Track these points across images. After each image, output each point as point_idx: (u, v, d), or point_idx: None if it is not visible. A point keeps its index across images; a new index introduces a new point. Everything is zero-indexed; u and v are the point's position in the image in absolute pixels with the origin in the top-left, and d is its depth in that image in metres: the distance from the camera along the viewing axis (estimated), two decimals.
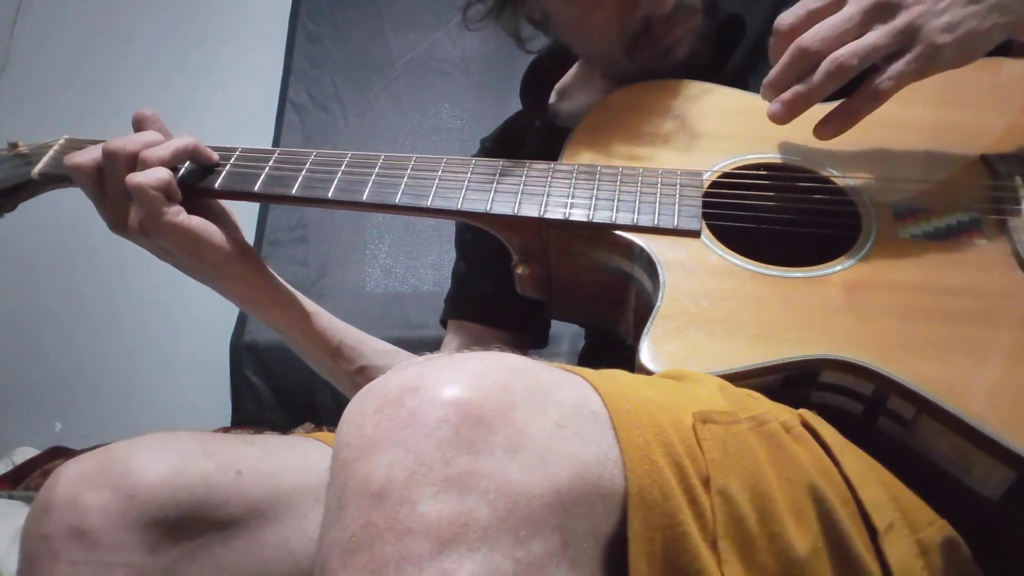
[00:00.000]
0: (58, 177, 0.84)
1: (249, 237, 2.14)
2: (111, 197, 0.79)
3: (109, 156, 0.77)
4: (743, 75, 0.86)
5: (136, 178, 0.75)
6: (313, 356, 0.89)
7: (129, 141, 0.78)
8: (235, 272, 0.81)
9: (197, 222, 0.77)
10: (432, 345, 0.99)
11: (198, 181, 0.81)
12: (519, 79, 1.03)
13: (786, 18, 0.67)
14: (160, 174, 0.75)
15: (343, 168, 0.79)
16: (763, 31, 0.86)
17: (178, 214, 0.76)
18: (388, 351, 0.92)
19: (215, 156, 0.82)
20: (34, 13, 2.44)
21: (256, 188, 0.79)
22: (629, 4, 0.81)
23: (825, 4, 0.66)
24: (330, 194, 0.78)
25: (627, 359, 0.64)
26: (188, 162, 0.81)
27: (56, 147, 0.86)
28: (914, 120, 0.77)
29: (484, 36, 2.17)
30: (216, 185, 0.80)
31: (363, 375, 0.88)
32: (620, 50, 0.85)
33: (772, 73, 0.67)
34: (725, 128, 0.80)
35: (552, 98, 1.01)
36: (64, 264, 2.12)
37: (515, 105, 1.07)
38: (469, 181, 0.77)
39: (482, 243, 0.78)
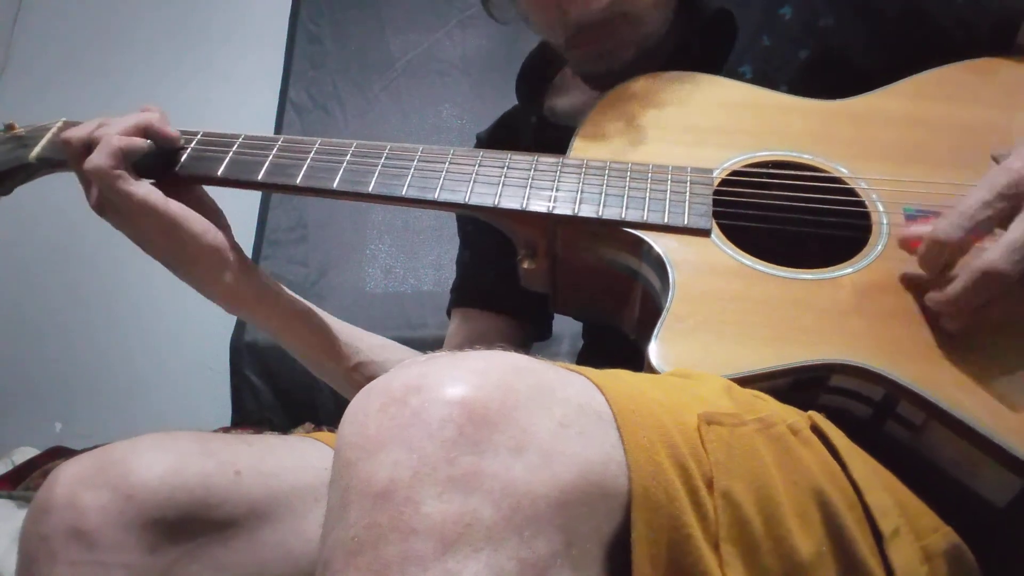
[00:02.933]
0: (55, 161, 0.82)
1: (249, 236, 2.16)
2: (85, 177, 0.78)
3: (70, 140, 0.77)
4: (739, 68, 0.85)
5: (89, 161, 0.74)
6: (307, 356, 0.88)
7: (96, 123, 0.77)
8: (215, 265, 0.78)
9: (175, 205, 0.75)
10: (432, 345, 0.99)
11: (195, 169, 0.79)
12: None
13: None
14: (109, 147, 0.74)
15: (348, 158, 0.77)
16: (762, 25, 0.86)
17: (148, 194, 0.74)
18: (384, 345, 0.91)
19: (175, 135, 0.79)
20: (34, 13, 2.44)
21: (259, 177, 0.78)
22: (558, 7, 0.80)
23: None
24: (335, 184, 0.76)
25: (626, 358, 0.63)
26: (190, 149, 0.80)
27: (54, 130, 0.84)
28: (925, 119, 0.76)
29: (484, 36, 2.19)
30: (218, 173, 0.78)
31: (359, 371, 0.87)
32: (563, 47, 0.85)
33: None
34: (735, 123, 0.79)
35: (548, 94, 1.00)
36: (64, 264, 2.12)
37: (511, 107, 1.06)
38: (477, 174, 0.75)
39: (484, 232, 0.78)
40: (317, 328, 0.86)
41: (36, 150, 0.82)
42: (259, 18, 2.35)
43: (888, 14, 0.82)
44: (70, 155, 0.78)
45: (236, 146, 0.80)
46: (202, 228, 0.77)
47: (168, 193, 0.76)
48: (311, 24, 2.30)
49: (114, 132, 0.75)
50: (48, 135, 0.84)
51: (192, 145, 0.81)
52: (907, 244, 0.63)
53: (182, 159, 0.80)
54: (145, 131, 0.78)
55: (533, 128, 0.96)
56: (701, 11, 0.88)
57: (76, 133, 0.77)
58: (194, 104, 2.19)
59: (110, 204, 0.76)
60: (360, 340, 0.89)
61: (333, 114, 2.21)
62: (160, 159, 0.79)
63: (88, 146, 0.76)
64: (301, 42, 2.28)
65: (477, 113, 2.13)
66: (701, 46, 0.88)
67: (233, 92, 2.26)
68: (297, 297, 0.87)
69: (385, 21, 2.29)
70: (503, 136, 1.01)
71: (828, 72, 0.82)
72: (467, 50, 2.23)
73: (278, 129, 2.19)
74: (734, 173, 0.75)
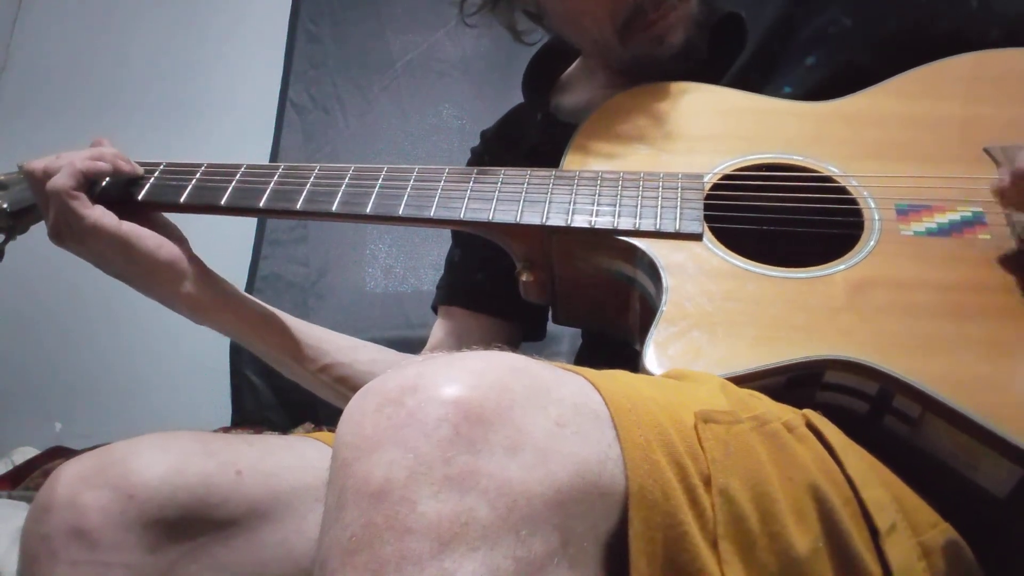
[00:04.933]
0: None
1: (249, 237, 2.15)
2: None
3: (34, 169, 0.80)
4: (746, 73, 0.86)
5: (51, 183, 0.77)
6: (274, 358, 0.89)
7: (55, 156, 0.80)
8: (173, 277, 0.80)
9: (127, 225, 0.78)
10: None
11: (160, 197, 0.82)
12: (519, 79, 1.03)
13: None
14: (71, 168, 0.77)
15: (346, 181, 0.80)
16: (772, 30, 0.86)
17: (102, 216, 0.77)
18: (355, 346, 0.91)
19: (127, 168, 0.82)
20: (34, 13, 2.44)
21: (261, 204, 0.80)
22: None
23: None
24: (334, 208, 0.78)
25: (624, 358, 0.64)
26: (152, 179, 0.82)
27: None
28: (915, 115, 0.77)
29: (484, 36, 2.19)
30: (222, 202, 0.81)
31: (327, 373, 0.88)
32: (613, 36, 0.85)
33: None
34: (727, 129, 0.80)
35: (554, 91, 1.00)
36: (64, 264, 2.11)
37: (515, 104, 1.06)
38: (471, 191, 0.77)
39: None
40: (282, 332, 0.87)
41: None
42: (259, 18, 2.35)
43: (904, 19, 0.82)
44: (33, 184, 0.80)
45: (238, 176, 0.82)
46: (156, 243, 0.79)
47: (124, 217, 0.79)
48: (311, 24, 2.30)
49: (75, 158, 0.79)
50: None
51: (155, 175, 0.83)
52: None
53: (145, 187, 0.82)
54: (102, 160, 0.80)
55: (538, 125, 0.96)
56: (712, 13, 0.88)
57: (37, 163, 0.80)
58: (194, 104, 2.20)
59: (66, 228, 0.78)
60: (327, 342, 0.89)
61: (333, 114, 2.21)
62: (121, 189, 0.82)
63: (48, 172, 0.79)
64: (301, 42, 2.28)
65: (477, 113, 2.12)
66: (711, 50, 0.88)
67: (233, 92, 2.26)
68: (260, 302, 0.88)
69: (385, 21, 2.28)
70: (508, 134, 1.01)
71: (834, 78, 0.82)
72: (467, 50, 2.22)
73: (278, 129, 2.19)
74: (726, 177, 0.75)
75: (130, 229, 0.78)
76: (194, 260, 0.82)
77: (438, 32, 2.24)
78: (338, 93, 2.23)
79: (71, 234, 0.79)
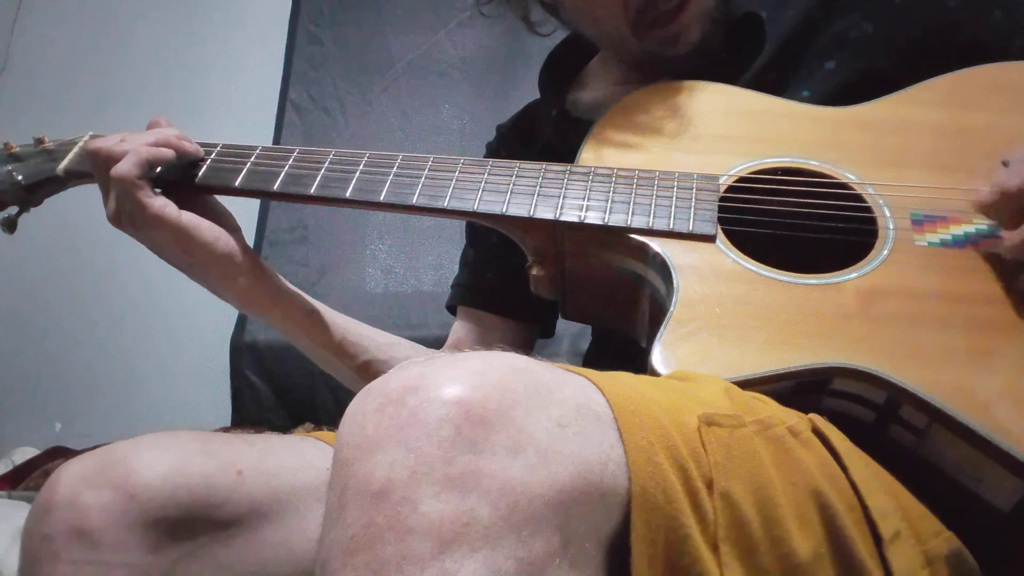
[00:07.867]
0: (82, 173, 0.84)
1: (249, 237, 2.13)
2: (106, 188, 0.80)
3: (99, 150, 0.79)
4: (765, 75, 0.85)
5: (116, 170, 0.76)
6: (317, 353, 0.89)
7: (119, 137, 0.79)
8: (228, 271, 0.80)
9: (187, 217, 0.77)
10: (433, 344, 1.00)
11: (214, 180, 0.81)
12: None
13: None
14: (136, 157, 0.76)
15: (361, 168, 0.79)
16: (792, 33, 0.86)
17: (164, 207, 0.76)
18: (392, 343, 0.92)
19: (196, 149, 0.82)
20: (34, 13, 2.44)
21: (275, 187, 0.79)
22: None
23: None
24: (348, 194, 0.78)
25: (632, 359, 0.63)
26: (209, 161, 0.82)
27: (80, 143, 0.86)
28: (934, 124, 0.76)
29: (484, 36, 2.19)
30: (236, 183, 0.80)
31: (367, 370, 0.88)
32: (627, 28, 0.85)
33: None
34: (744, 131, 0.80)
35: (573, 87, 1.00)
36: (64, 264, 2.12)
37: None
38: (485, 182, 0.76)
39: (491, 231, 0.78)
40: (327, 327, 0.87)
41: (64, 163, 0.85)
42: (259, 18, 2.35)
43: (926, 26, 0.82)
44: (96, 165, 0.79)
45: (253, 158, 0.82)
46: (213, 236, 0.78)
47: (180, 201, 0.78)
48: (311, 25, 2.30)
49: (140, 143, 0.77)
50: (75, 148, 0.86)
51: (212, 157, 0.82)
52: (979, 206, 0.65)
53: (201, 170, 0.82)
54: (167, 144, 0.79)
55: (553, 121, 0.96)
56: (730, 11, 0.88)
57: (103, 144, 0.79)
58: (194, 105, 2.20)
59: (127, 215, 0.77)
60: (368, 339, 0.90)
61: (333, 115, 2.21)
62: (179, 170, 0.81)
63: (113, 157, 0.77)
64: (301, 43, 2.28)
65: (477, 113, 2.12)
66: (727, 49, 0.88)
67: (233, 92, 2.26)
68: (307, 297, 0.88)
69: (385, 22, 2.28)
70: (523, 129, 1.01)
71: (853, 83, 0.81)
72: (467, 50, 2.22)
73: (278, 130, 2.19)
74: (741, 180, 0.75)
75: (189, 221, 0.77)
76: (248, 253, 0.81)
77: (438, 32, 2.24)
78: (338, 93, 2.23)
79: (130, 221, 0.78)
